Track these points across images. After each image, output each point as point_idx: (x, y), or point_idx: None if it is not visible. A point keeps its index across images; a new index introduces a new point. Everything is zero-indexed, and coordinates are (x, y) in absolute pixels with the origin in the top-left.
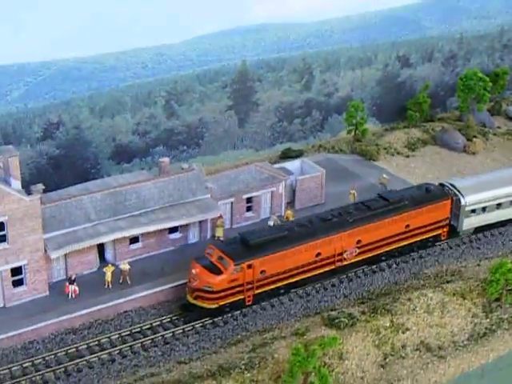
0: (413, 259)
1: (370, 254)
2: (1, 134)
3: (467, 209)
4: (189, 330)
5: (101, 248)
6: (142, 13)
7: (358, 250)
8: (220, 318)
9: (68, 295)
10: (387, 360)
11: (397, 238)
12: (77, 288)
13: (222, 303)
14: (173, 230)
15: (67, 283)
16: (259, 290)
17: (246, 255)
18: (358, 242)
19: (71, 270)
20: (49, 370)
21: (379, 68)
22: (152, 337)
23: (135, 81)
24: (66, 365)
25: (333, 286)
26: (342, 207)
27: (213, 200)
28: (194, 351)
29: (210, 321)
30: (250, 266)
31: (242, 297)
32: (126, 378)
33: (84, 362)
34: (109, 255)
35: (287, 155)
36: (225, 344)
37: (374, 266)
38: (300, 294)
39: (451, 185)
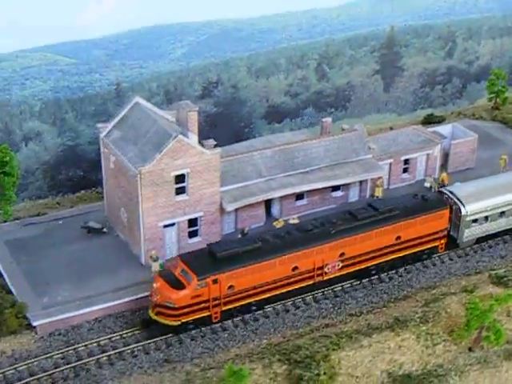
0: None
1: (354, 268)
2: (163, 91)
3: (468, 219)
4: (357, 285)
5: (267, 203)
6: None
7: (341, 264)
8: (386, 274)
9: None
10: None
11: (386, 250)
12: None
13: (184, 320)
14: (335, 188)
15: (240, 236)
16: (227, 307)
17: (212, 269)
18: (342, 254)
19: (241, 223)
20: None
21: None
22: (322, 290)
23: (290, 43)
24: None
25: (489, 246)
26: (325, 216)
27: (374, 160)
28: (362, 305)
29: (376, 276)
30: (215, 281)
31: (207, 313)
32: (302, 328)
33: (261, 312)
34: (275, 210)
35: (430, 121)
36: (392, 299)
37: None
38: (459, 253)
39: (451, 192)
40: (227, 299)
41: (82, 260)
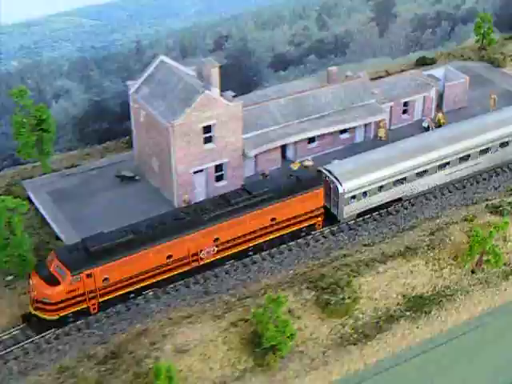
0: None
1: (231, 251)
2: (179, 46)
3: (346, 196)
4: (367, 218)
5: (283, 148)
6: None
7: (216, 249)
8: (393, 208)
9: None
10: None
11: (261, 232)
12: None
13: (63, 314)
14: (343, 131)
15: (260, 177)
16: (104, 298)
17: (86, 263)
18: (216, 240)
19: (260, 166)
20: None
21: None
22: (337, 225)
23: None
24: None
25: (484, 179)
26: (199, 203)
27: (377, 104)
28: (374, 235)
29: (385, 210)
30: (89, 275)
31: (85, 305)
32: (323, 259)
33: (285, 245)
34: (290, 154)
35: (422, 63)
36: (400, 229)
37: None
38: (457, 186)
39: (328, 171)
40: (103, 291)
41: (120, 206)
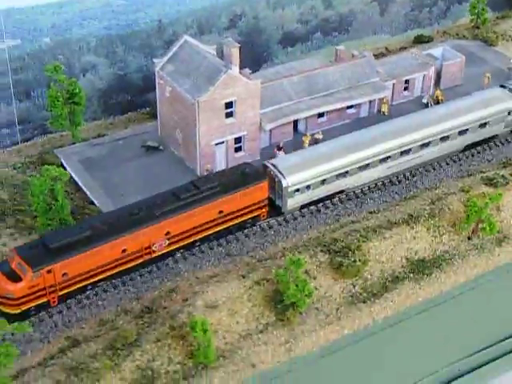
0: None
1: (182, 243)
2: (196, 24)
3: (290, 190)
4: (373, 187)
5: (295, 121)
6: None
7: (167, 242)
8: (395, 178)
9: None
10: None
11: (210, 224)
12: (283, 153)
13: (24, 308)
14: (349, 106)
15: (275, 149)
16: (63, 292)
17: (46, 260)
18: (167, 233)
19: (274, 139)
20: None
21: None
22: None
23: None
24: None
25: (478, 152)
26: (151, 198)
27: (381, 82)
28: (379, 204)
29: (388, 180)
30: (49, 271)
31: (45, 299)
32: (333, 224)
33: (298, 212)
34: (301, 127)
35: (420, 40)
36: (403, 198)
37: None
38: (454, 159)
39: (273, 165)
40: (63, 285)
41: (147, 174)
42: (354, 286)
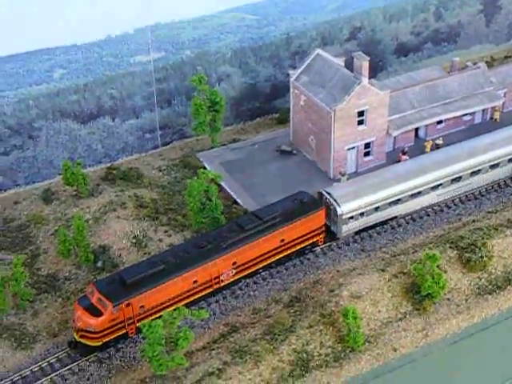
0: None
1: (246, 272)
2: (320, 36)
3: (344, 217)
4: (490, 189)
5: (416, 128)
6: None
7: (234, 271)
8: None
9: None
10: None
11: (272, 252)
12: (407, 158)
13: (105, 340)
14: (465, 113)
15: (401, 154)
16: (141, 322)
17: (124, 294)
18: (234, 263)
19: (397, 144)
20: None
21: None
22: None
23: None
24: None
25: None
26: (217, 230)
27: (495, 91)
28: (496, 204)
29: (496, 186)
30: (128, 305)
31: (124, 331)
32: (456, 223)
33: (423, 211)
34: (421, 133)
35: None
36: None
37: None
38: None
39: (328, 193)
40: (140, 317)
41: (283, 175)
42: (480, 279)
